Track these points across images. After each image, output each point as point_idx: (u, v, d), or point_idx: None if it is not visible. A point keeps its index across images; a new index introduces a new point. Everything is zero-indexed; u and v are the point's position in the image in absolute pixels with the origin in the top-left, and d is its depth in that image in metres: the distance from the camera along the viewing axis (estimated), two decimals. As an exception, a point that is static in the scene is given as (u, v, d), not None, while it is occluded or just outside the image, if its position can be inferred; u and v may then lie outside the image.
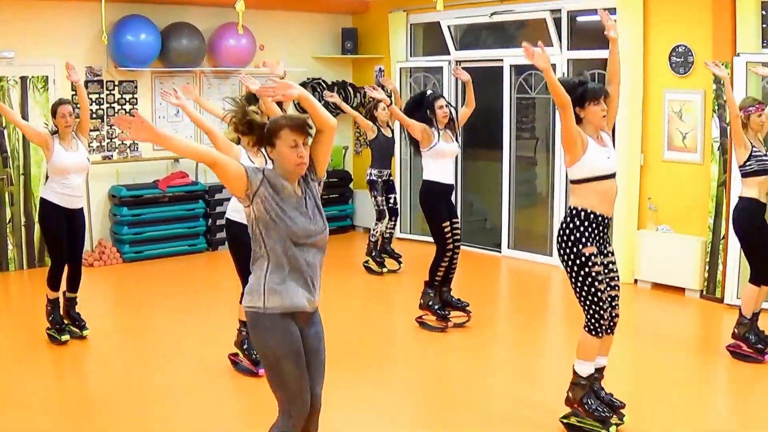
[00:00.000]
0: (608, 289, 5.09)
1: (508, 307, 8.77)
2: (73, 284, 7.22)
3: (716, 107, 7.88)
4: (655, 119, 8.67)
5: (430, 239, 7.80)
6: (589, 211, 4.97)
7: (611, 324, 5.15)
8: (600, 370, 5.23)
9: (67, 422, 5.41)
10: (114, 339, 7.29)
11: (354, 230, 12.06)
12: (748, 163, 6.34)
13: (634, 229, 8.76)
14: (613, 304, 5.14)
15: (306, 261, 3.87)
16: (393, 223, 9.81)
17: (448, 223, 7.32)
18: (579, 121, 4.95)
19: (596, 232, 4.99)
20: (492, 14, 10.10)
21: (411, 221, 11.70)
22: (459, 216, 7.72)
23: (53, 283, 7.07)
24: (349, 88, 12.21)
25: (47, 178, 7.00)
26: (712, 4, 7.96)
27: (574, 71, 9.49)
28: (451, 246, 7.33)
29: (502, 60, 10.07)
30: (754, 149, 6.33)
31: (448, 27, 10.73)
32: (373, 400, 5.88)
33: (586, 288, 4.99)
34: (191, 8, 10.62)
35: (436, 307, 7.37)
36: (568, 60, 9.45)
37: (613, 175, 5.04)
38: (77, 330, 7.20)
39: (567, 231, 5.02)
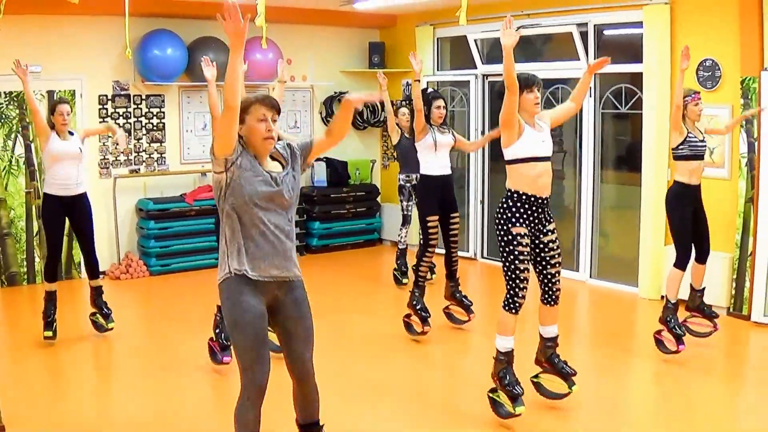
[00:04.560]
0: (548, 267, 5.50)
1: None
2: (92, 272, 7.48)
3: (744, 122, 7.81)
4: (682, 134, 8.59)
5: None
6: (521, 192, 5.37)
7: (554, 297, 5.57)
8: (552, 339, 5.67)
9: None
10: (140, 351, 7.34)
11: (381, 244, 11.99)
12: (680, 147, 6.73)
13: (662, 246, 8.69)
14: (553, 280, 5.54)
15: (274, 223, 3.96)
16: (405, 230, 9.81)
17: (436, 217, 7.51)
18: None
19: (529, 212, 5.37)
20: (518, 28, 10.00)
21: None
22: (458, 210, 7.76)
23: (48, 275, 7.31)
24: (377, 102, 12.23)
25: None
26: (739, 18, 7.91)
27: (601, 85, 9.45)
28: (434, 242, 7.49)
29: (528, 74, 10.02)
30: (690, 135, 6.70)
31: (475, 41, 10.73)
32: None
33: (508, 264, 5.36)
34: (217, 22, 10.63)
35: (419, 307, 7.45)
36: (595, 74, 9.37)
37: (547, 158, 5.42)
38: (102, 321, 7.47)
39: (501, 211, 5.43)
